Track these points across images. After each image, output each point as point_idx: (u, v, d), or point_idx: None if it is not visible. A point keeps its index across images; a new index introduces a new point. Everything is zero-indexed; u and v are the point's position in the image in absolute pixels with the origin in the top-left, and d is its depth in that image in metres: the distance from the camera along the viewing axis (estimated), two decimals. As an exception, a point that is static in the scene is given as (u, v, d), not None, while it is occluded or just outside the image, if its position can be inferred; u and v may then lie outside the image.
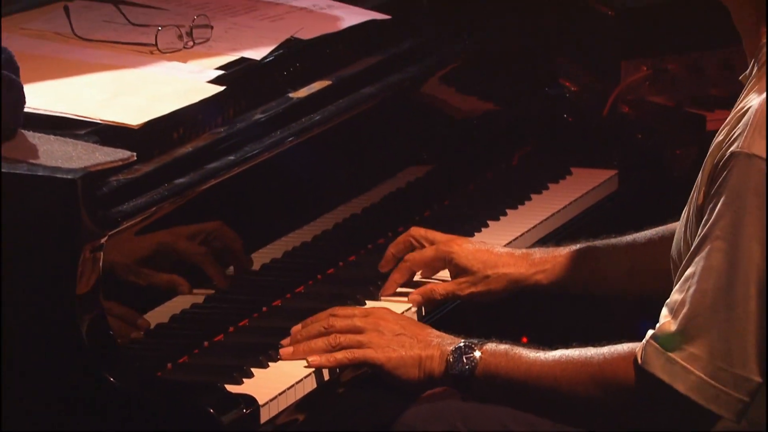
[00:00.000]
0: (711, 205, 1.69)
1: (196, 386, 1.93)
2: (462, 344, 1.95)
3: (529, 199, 2.78)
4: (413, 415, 2.10)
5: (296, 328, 2.08)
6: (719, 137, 1.73)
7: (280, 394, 1.95)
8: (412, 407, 2.16)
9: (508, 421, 2.06)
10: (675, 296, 1.73)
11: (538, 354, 1.89)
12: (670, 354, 1.71)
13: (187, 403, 1.86)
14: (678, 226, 1.89)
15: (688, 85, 3.17)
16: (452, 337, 2.00)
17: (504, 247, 2.36)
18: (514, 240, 2.57)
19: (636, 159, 3.05)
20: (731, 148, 1.67)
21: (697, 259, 1.70)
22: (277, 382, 1.98)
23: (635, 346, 1.78)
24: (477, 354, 1.93)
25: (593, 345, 1.86)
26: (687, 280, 1.71)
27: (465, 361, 1.93)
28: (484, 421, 2.06)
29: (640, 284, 2.23)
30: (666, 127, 3.13)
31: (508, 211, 2.71)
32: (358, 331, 2.02)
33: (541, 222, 2.67)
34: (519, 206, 2.74)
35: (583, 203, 2.83)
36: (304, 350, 2.03)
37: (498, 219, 2.67)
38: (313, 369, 2.02)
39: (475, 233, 2.59)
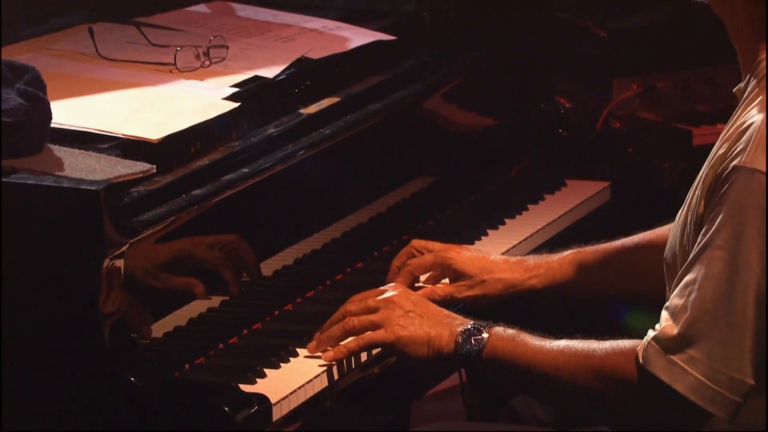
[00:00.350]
0: (712, 216, 1.68)
1: (211, 386, 1.92)
2: (471, 326, 1.94)
3: (527, 209, 2.77)
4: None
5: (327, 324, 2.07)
6: (721, 150, 1.72)
7: (291, 393, 1.94)
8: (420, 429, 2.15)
9: None
10: (675, 301, 1.72)
11: (543, 342, 1.88)
12: (670, 356, 1.70)
13: (203, 402, 1.85)
14: (671, 230, 1.88)
15: (676, 102, 3.16)
16: (462, 317, 1.99)
17: (500, 255, 2.36)
18: (512, 248, 2.55)
19: (627, 171, 3.04)
20: (733, 162, 1.66)
21: (697, 266, 1.69)
22: (288, 381, 1.97)
23: (636, 343, 1.77)
24: (485, 336, 1.91)
25: (596, 338, 1.85)
26: (687, 285, 1.70)
27: (473, 342, 1.91)
28: None
29: (629, 287, 2.22)
30: (655, 142, 3.12)
31: (506, 220, 2.70)
32: (371, 311, 2.01)
33: (538, 231, 2.66)
34: (517, 216, 2.73)
35: (577, 213, 2.82)
36: (324, 340, 2.03)
37: (497, 228, 2.66)
38: (323, 369, 2.01)
39: (476, 241, 2.58)
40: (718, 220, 1.66)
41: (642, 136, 3.11)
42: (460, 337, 1.93)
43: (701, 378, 1.67)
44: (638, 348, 1.75)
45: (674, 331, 1.69)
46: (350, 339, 2.00)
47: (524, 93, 3.08)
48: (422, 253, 2.29)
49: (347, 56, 2.58)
